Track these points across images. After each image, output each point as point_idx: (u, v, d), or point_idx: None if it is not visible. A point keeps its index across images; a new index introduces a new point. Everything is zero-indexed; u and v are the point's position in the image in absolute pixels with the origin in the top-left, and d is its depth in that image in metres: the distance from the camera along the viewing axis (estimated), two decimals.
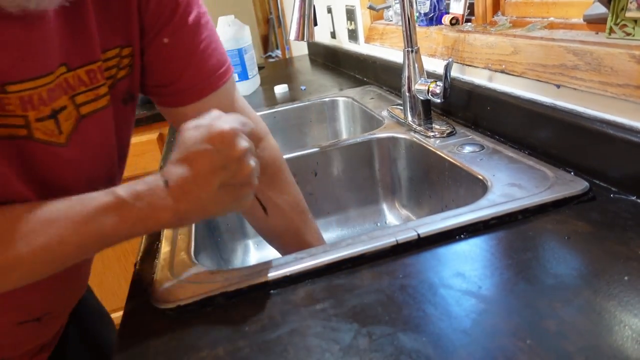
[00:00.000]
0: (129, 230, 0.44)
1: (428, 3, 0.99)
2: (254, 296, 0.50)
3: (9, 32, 0.40)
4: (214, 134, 0.43)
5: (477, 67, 0.82)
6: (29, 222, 0.41)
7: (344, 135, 1.29)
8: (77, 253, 0.44)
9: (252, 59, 1.53)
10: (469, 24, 0.92)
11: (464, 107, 0.87)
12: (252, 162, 0.45)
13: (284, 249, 0.69)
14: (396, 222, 0.95)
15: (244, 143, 0.44)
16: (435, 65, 0.99)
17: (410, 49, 0.85)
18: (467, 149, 0.75)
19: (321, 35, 1.84)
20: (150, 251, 0.63)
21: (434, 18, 1.00)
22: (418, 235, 0.53)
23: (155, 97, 0.59)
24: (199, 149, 0.43)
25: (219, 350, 0.43)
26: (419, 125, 0.88)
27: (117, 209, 0.43)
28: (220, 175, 0.43)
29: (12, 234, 0.41)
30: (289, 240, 0.68)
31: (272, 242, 0.71)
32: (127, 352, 0.46)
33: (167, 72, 0.56)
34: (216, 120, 0.44)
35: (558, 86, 0.65)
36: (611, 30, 0.59)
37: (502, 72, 0.75)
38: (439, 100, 0.81)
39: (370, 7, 1.30)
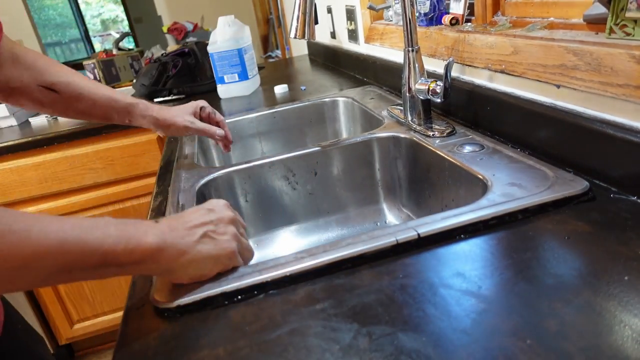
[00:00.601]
0: (111, 247, 0.43)
1: (428, 3, 0.99)
2: (254, 296, 0.50)
3: None
4: (214, 202, 0.56)
5: (477, 67, 0.82)
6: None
7: (344, 135, 1.29)
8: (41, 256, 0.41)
9: (252, 59, 1.53)
10: (469, 24, 0.92)
11: (464, 107, 0.87)
12: (235, 229, 0.54)
13: (91, 110, 0.83)
14: (396, 222, 0.95)
15: (232, 213, 0.55)
16: (435, 65, 0.99)
17: (410, 49, 0.85)
18: (467, 148, 0.75)
19: (321, 35, 1.85)
20: None
21: (434, 18, 1.00)
22: (418, 235, 0.53)
23: None
24: (198, 207, 0.54)
25: (219, 350, 0.43)
26: (419, 125, 0.88)
27: (103, 226, 0.44)
28: (204, 227, 0.51)
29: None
30: (88, 102, 0.82)
31: (78, 113, 0.84)
32: (127, 352, 0.46)
33: None
34: (213, 200, 0.57)
35: (558, 86, 0.65)
36: (611, 31, 0.59)
37: (502, 72, 0.75)
38: (439, 100, 0.81)
39: (370, 7, 1.30)
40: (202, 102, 0.94)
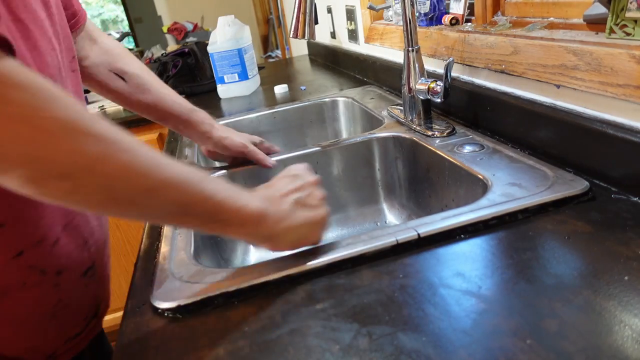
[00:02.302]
0: (223, 200, 0.46)
1: (428, 3, 0.99)
2: (254, 296, 0.50)
3: None
4: (294, 167, 0.58)
5: (477, 67, 0.82)
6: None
7: (344, 135, 1.29)
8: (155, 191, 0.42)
9: (252, 59, 1.53)
10: (469, 24, 0.92)
11: (464, 107, 0.87)
12: (322, 192, 0.57)
13: (153, 106, 0.83)
14: (396, 222, 0.95)
15: (314, 176, 0.58)
16: (436, 65, 0.99)
17: (410, 49, 0.85)
18: (467, 148, 0.75)
19: (321, 35, 1.85)
20: (150, 251, 0.63)
21: (434, 18, 1.00)
22: (418, 235, 0.53)
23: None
24: (283, 174, 0.57)
25: (219, 350, 0.43)
26: (419, 125, 0.88)
27: (215, 179, 0.47)
28: (296, 194, 0.53)
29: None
30: (153, 98, 0.82)
31: (141, 107, 0.83)
32: (127, 352, 0.46)
33: None
34: (293, 166, 0.60)
35: (558, 86, 0.65)
36: (611, 30, 0.59)
37: (502, 72, 0.75)
38: (439, 100, 0.81)
39: (370, 7, 1.30)
40: (258, 138, 0.93)
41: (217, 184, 0.47)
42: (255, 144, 0.90)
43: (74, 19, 0.71)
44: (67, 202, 0.40)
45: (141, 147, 0.42)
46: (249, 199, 0.49)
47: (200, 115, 0.86)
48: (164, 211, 0.44)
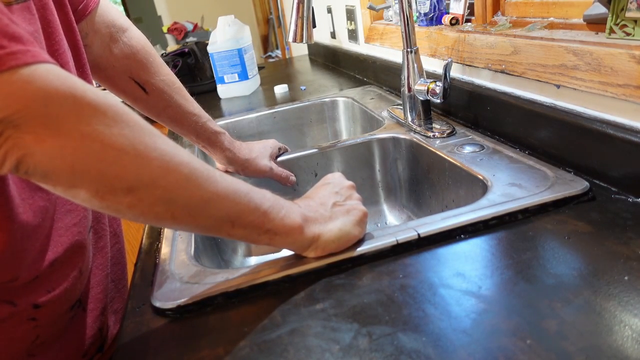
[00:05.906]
0: (269, 209, 0.47)
1: (428, 3, 0.99)
2: (254, 296, 0.50)
3: None
4: (329, 176, 0.61)
5: (477, 67, 0.82)
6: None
7: (344, 136, 1.29)
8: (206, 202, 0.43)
9: (252, 59, 1.53)
10: (469, 24, 0.92)
11: (464, 107, 0.87)
12: (358, 194, 0.58)
13: (172, 122, 0.78)
14: (396, 223, 0.95)
15: (349, 182, 0.60)
16: (436, 65, 0.99)
17: (409, 50, 0.85)
18: (467, 149, 0.75)
19: (321, 36, 1.85)
20: (150, 251, 0.63)
21: (434, 18, 1.00)
22: (418, 235, 0.53)
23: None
24: (318, 185, 0.59)
25: (219, 350, 0.43)
26: (419, 125, 0.88)
27: (259, 190, 0.48)
28: (333, 198, 0.56)
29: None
30: (174, 114, 0.77)
31: (160, 119, 0.78)
32: (127, 352, 0.46)
33: None
34: (328, 175, 0.62)
35: (558, 86, 0.65)
36: (611, 30, 0.59)
37: (502, 72, 0.75)
38: (438, 101, 0.81)
39: (370, 7, 1.30)
40: (279, 144, 0.92)
41: (263, 195, 0.48)
42: (277, 154, 0.91)
43: (82, 4, 0.64)
44: (128, 214, 0.40)
45: (196, 160, 0.43)
46: (291, 207, 0.50)
47: (222, 139, 0.83)
48: (217, 221, 0.44)
